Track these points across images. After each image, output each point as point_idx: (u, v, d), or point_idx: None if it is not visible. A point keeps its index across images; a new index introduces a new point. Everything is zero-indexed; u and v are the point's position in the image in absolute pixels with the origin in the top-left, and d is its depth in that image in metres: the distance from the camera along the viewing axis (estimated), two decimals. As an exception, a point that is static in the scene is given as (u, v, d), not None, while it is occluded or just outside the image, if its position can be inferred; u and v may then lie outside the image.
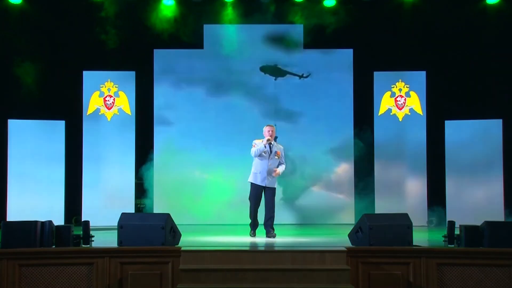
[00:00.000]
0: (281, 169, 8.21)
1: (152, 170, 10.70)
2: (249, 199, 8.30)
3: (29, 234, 6.42)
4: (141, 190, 10.70)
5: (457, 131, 10.50)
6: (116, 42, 10.51)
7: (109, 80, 10.71)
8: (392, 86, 10.81)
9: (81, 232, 6.76)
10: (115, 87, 10.71)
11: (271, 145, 8.14)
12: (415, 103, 10.71)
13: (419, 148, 10.63)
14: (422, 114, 10.70)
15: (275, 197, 8.29)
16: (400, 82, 10.78)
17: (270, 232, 8.10)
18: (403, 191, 10.52)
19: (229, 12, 10.70)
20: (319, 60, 10.96)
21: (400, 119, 10.75)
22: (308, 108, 10.96)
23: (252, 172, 8.24)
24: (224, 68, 10.95)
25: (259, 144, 8.10)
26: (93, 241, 6.76)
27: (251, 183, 8.25)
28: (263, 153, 8.10)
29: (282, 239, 7.91)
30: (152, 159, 10.71)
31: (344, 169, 10.87)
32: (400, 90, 10.76)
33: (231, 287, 6.17)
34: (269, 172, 8.15)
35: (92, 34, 10.46)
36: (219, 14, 10.77)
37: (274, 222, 8.20)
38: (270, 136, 8.09)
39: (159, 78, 10.93)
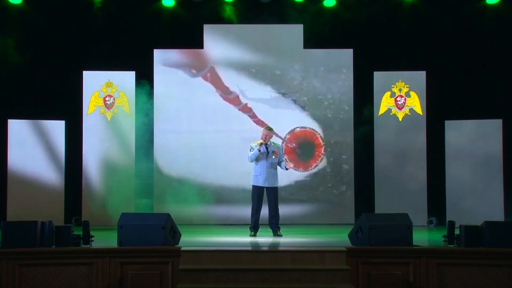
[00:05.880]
0: (290, 165, 8.55)
1: (152, 170, 10.69)
2: (252, 200, 8.42)
3: (29, 234, 6.43)
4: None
5: (457, 131, 10.49)
6: (116, 42, 10.52)
7: (109, 80, 10.70)
8: (392, 86, 10.79)
9: (81, 232, 6.76)
10: (115, 87, 10.70)
11: (267, 146, 8.23)
12: (415, 103, 10.70)
13: (419, 148, 10.61)
14: (422, 114, 10.69)
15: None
16: (400, 82, 10.77)
17: (276, 232, 8.25)
18: (403, 191, 10.50)
19: (229, 12, 10.69)
20: (319, 60, 10.95)
21: (400, 119, 10.74)
22: (307, 109, 10.95)
23: (253, 175, 8.38)
24: (223, 67, 10.95)
25: (254, 148, 8.24)
26: (93, 241, 6.77)
27: (253, 185, 8.39)
28: (260, 155, 8.19)
29: (282, 239, 7.94)
30: (152, 159, 10.71)
31: (344, 169, 10.86)
32: (400, 90, 10.75)
33: (231, 287, 6.18)
34: (270, 172, 8.23)
35: (92, 34, 10.46)
36: (219, 14, 10.75)
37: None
38: (264, 139, 8.23)
39: (159, 78, 10.91)
